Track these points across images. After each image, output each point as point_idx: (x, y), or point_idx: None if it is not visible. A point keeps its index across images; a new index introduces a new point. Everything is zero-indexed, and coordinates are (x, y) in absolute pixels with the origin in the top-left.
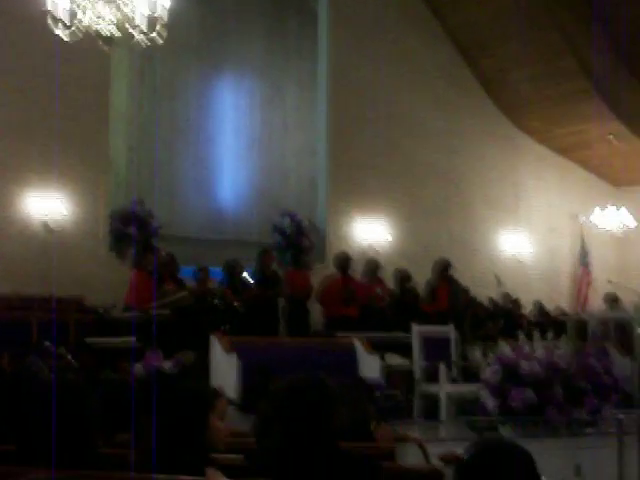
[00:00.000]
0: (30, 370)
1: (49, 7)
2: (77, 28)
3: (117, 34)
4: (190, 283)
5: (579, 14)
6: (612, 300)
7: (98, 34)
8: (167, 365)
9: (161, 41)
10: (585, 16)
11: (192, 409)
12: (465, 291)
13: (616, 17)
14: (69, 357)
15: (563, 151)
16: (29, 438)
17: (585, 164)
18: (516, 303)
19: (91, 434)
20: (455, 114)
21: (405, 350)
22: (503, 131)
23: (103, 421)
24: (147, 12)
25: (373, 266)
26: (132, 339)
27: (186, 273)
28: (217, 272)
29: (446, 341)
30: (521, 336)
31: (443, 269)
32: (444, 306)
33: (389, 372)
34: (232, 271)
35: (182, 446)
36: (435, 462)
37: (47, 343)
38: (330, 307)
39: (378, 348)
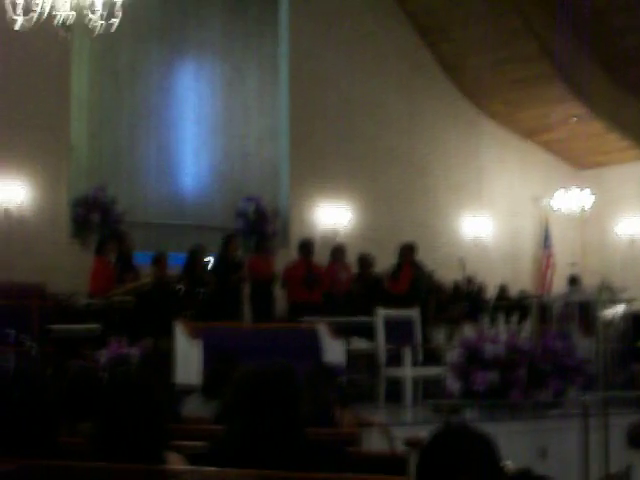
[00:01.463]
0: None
1: None
2: (36, 14)
3: (76, 20)
4: (149, 269)
5: None
6: (574, 282)
7: (57, 20)
8: (132, 352)
9: (117, 24)
10: (547, 0)
11: (152, 395)
12: (429, 274)
13: (578, 0)
14: (32, 345)
15: (526, 134)
16: None
17: (547, 147)
18: (481, 287)
19: (52, 423)
20: (417, 98)
21: (369, 334)
22: (465, 115)
23: (66, 410)
24: None
25: (340, 251)
26: (96, 326)
27: (147, 259)
28: (179, 257)
29: (410, 325)
30: (485, 319)
31: (408, 252)
32: (404, 288)
33: (353, 357)
34: (195, 256)
35: (141, 433)
36: (400, 446)
37: (11, 331)
38: (293, 292)
39: (342, 333)
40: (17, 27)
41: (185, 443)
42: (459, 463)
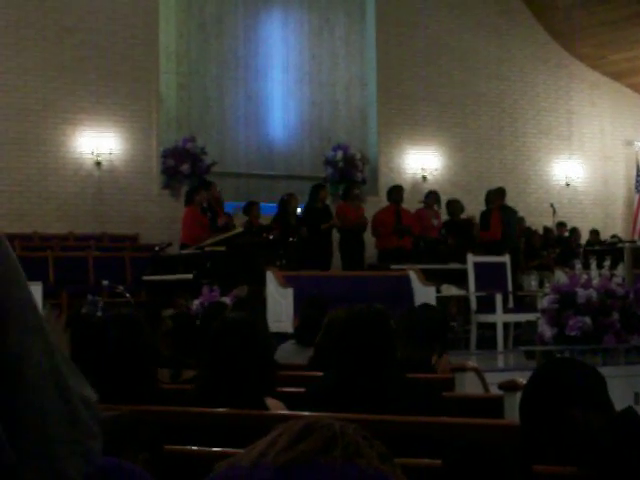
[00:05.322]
0: (89, 309)
1: None
2: None
3: None
4: (240, 218)
5: None
6: None
7: None
8: (226, 300)
9: None
10: None
11: (254, 341)
12: (519, 220)
13: None
14: (127, 295)
15: (617, 77)
16: (90, 374)
17: (639, 89)
18: (575, 232)
19: (150, 369)
20: (506, 42)
21: (461, 281)
22: (555, 58)
23: (170, 358)
24: None
25: (432, 197)
26: (189, 275)
27: (237, 209)
28: (268, 207)
29: (501, 271)
30: (577, 264)
31: (496, 197)
32: (497, 235)
33: (444, 303)
34: (287, 206)
35: (242, 378)
36: (495, 390)
37: (105, 282)
38: (383, 239)
39: (433, 279)
40: None
41: (282, 389)
42: (570, 393)
